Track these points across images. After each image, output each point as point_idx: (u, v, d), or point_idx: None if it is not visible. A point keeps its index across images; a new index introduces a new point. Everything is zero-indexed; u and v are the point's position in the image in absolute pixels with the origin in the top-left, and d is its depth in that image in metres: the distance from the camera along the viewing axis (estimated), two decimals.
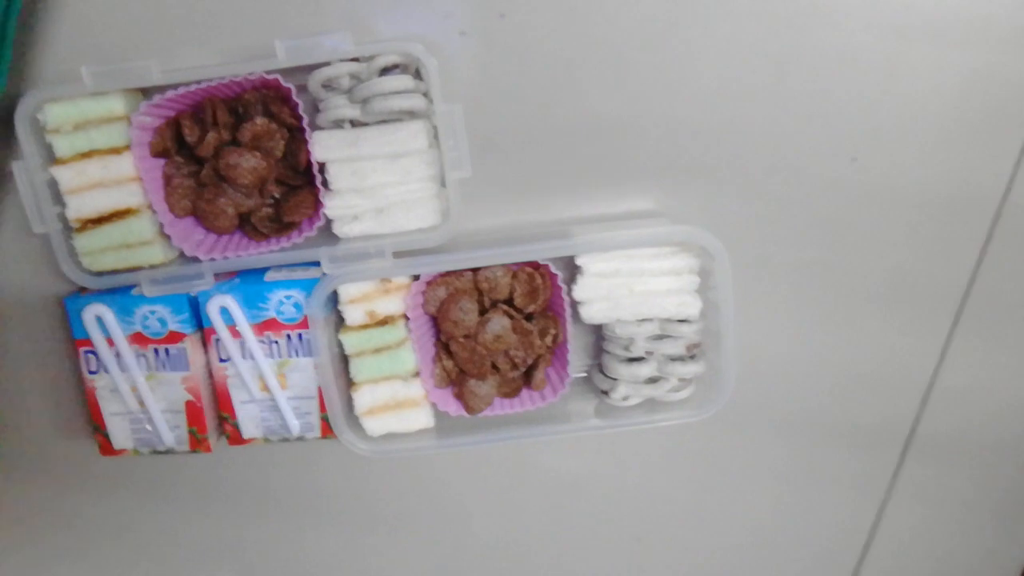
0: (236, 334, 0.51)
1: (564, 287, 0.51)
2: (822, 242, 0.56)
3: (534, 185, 0.53)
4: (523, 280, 0.52)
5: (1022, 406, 0.61)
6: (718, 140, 0.53)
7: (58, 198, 0.49)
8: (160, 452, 0.55)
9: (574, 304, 0.52)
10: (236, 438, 0.54)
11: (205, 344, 0.52)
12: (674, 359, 0.53)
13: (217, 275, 0.51)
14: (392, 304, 0.51)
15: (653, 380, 0.53)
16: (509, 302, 0.53)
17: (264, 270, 0.52)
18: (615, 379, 0.53)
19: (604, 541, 0.65)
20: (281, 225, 0.51)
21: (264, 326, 0.51)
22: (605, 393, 0.54)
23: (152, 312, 0.51)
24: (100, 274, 0.50)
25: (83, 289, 0.52)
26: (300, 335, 0.51)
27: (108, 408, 0.54)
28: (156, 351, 0.52)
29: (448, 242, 0.50)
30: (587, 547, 0.65)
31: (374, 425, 0.53)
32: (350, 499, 0.61)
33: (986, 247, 0.57)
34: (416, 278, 0.51)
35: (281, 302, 0.51)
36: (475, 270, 0.52)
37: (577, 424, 0.53)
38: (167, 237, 0.50)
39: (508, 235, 0.53)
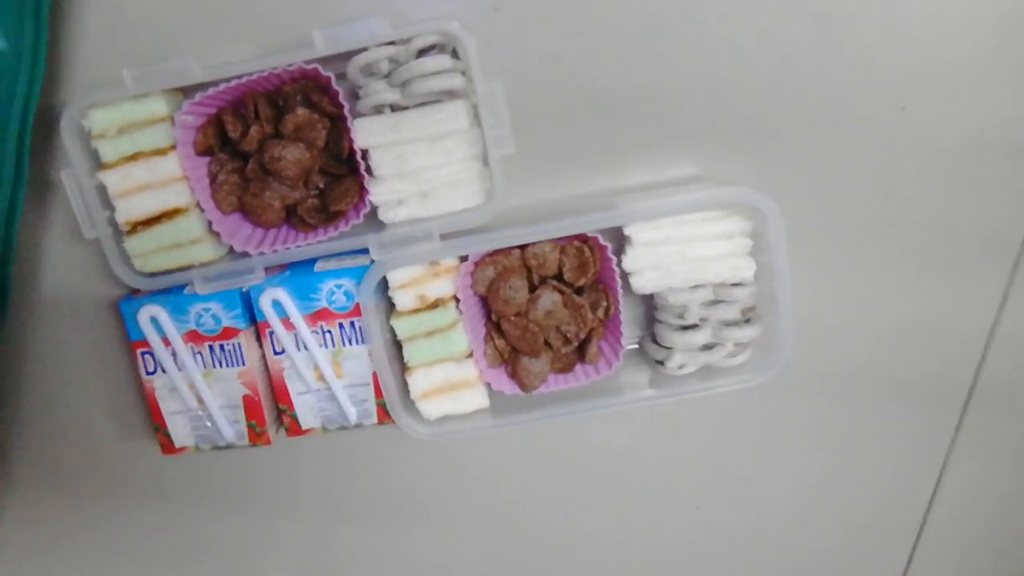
0: (289, 326, 0.52)
1: (613, 258, 0.51)
2: (874, 196, 0.54)
3: (578, 157, 0.53)
4: (572, 254, 0.52)
5: None
6: (760, 98, 0.52)
7: (107, 203, 0.49)
8: (221, 448, 0.55)
9: (624, 275, 0.51)
10: (295, 429, 0.54)
11: (259, 338, 0.53)
12: (729, 324, 0.52)
13: (267, 269, 0.51)
14: (442, 287, 0.51)
15: (708, 347, 0.53)
16: (559, 277, 0.52)
17: (314, 261, 0.52)
18: (670, 348, 0.53)
19: (663, 513, 0.65)
20: (327, 215, 0.51)
21: (316, 316, 0.52)
22: (660, 363, 0.54)
23: (206, 310, 0.52)
24: (153, 275, 0.51)
25: (136, 291, 0.53)
26: (352, 323, 0.52)
27: (167, 407, 0.54)
28: (211, 348, 0.53)
29: (494, 221, 0.49)
30: (647, 519, 0.65)
31: (430, 408, 0.53)
32: (410, 484, 0.62)
33: None
34: (464, 259, 0.51)
35: (332, 291, 0.51)
36: (522, 247, 0.52)
37: (633, 395, 0.53)
38: (216, 234, 0.50)
39: (554, 210, 0.53)
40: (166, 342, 0.53)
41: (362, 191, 0.49)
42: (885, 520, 0.67)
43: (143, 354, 0.53)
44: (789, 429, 0.62)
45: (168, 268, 0.51)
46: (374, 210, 0.50)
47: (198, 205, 0.49)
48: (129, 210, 0.49)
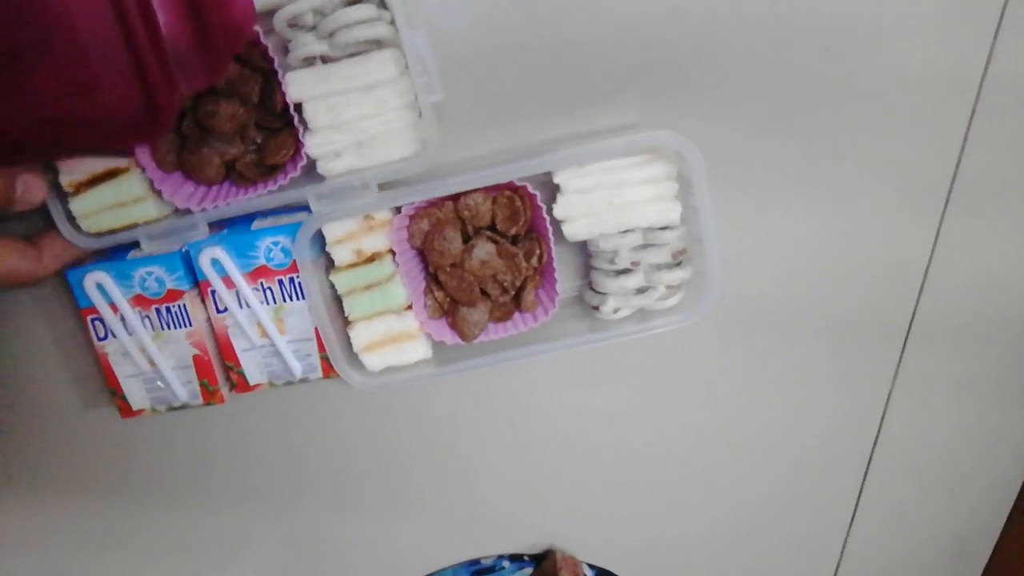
0: (230, 284, 0.53)
1: (544, 207, 0.52)
2: (802, 137, 0.55)
3: (512, 109, 0.53)
4: (503, 204, 0.53)
5: (1017, 283, 0.61)
6: (689, 45, 0.52)
7: (50, 166, 0.49)
8: (176, 408, 0.57)
9: (556, 223, 0.52)
10: (243, 386, 0.56)
11: (203, 298, 0.54)
12: (660, 267, 0.53)
13: (212, 225, 0.52)
14: (377, 240, 0.52)
15: (642, 291, 0.54)
16: (492, 228, 0.54)
17: (251, 219, 0.54)
18: (604, 293, 0.54)
19: (607, 456, 0.67)
20: (266, 169, 0.51)
21: (256, 274, 0.53)
22: (596, 309, 0.55)
23: (149, 273, 0.53)
24: (100, 235, 0.51)
25: (82, 260, 0.54)
26: (292, 279, 0.53)
27: (122, 371, 0.56)
28: (158, 311, 0.54)
29: (430, 170, 0.50)
30: (591, 463, 0.67)
31: (373, 360, 0.54)
32: (359, 436, 0.63)
33: (970, 126, 0.56)
34: (398, 211, 0.52)
35: (270, 248, 0.52)
36: (455, 199, 0.53)
37: (570, 340, 0.54)
38: (159, 193, 0.50)
39: (488, 162, 0.54)
40: (114, 308, 0.54)
41: (298, 144, 0.49)
42: (831, 461, 0.69)
43: (93, 320, 0.54)
44: (734, 372, 0.63)
45: (113, 227, 0.51)
46: (312, 163, 0.50)
47: (139, 164, 0.50)
48: (71, 172, 0.49)
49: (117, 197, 0.50)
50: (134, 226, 0.51)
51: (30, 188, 0.47)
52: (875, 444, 0.68)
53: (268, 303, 0.53)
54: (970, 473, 0.73)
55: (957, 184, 0.58)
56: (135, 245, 0.53)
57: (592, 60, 0.52)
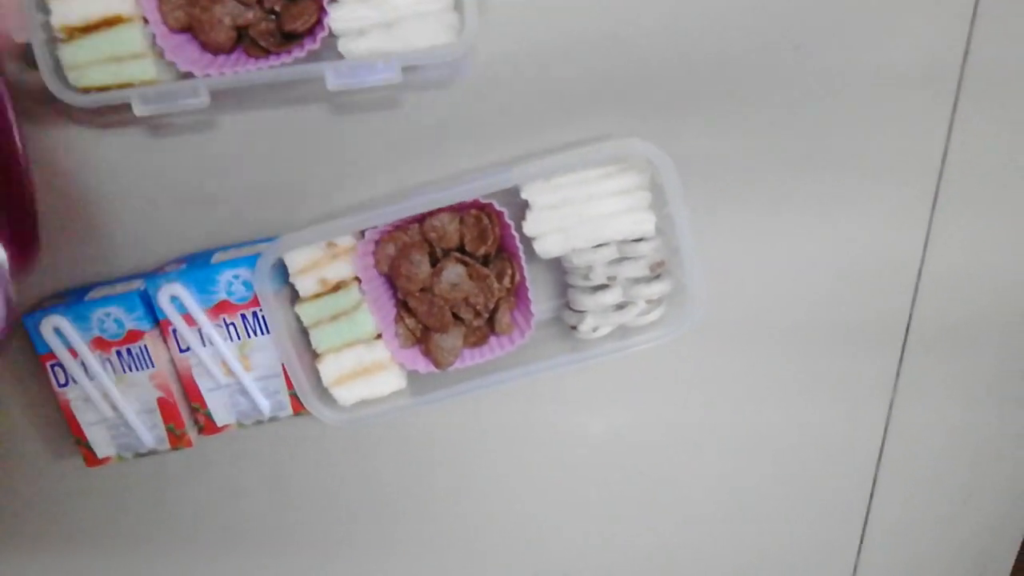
0: (192, 322, 0.51)
1: (513, 224, 0.50)
2: (779, 139, 0.54)
3: (478, 125, 0.52)
4: (470, 224, 0.51)
5: (1011, 278, 0.58)
6: (654, 51, 0.51)
7: (43, 5, 0.45)
8: (143, 454, 0.55)
9: (527, 240, 0.50)
10: (210, 427, 0.53)
11: (165, 337, 0.52)
12: (638, 281, 0.51)
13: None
14: (342, 268, 0.50)
15: (621, 307, 0.52)
16: (461, 249, 0.51)
17: (210, 253, 0.52)
18: (582, 312, 0.52)
19: (602, 478, 0.64)
20: (282, 39, 0.47)
21: (218, 309, 0.51)
22: (575, 328, 0.53)
23: (107, 314, 0.51)
24: (88, 91, 0.46)
25: (39, 304, 0.52)
26: (255, 313, 0.51)
27: (84, 418, 0.53)
28: (119, 353, 0.52)
29: (393, 193, 0.48)
30: (580, 489, 0.64)
31: (345, 394, 0.52)
32: (335, 474, 0.61)
33: (953, 119, 0.54)
34: (362, 236, 0.50)
35: (230, 282, 0.50)
36: (421, 221, 0.51)
37: (548, 363, 0.52)
38: (160, 52, 0.46)
39: (453, 181, 0.52)
40: (73, 353, 0.52)
41: (321, 13, 0.46)
42: (835, 474, 0.66)
43: (52, 366, 0.52)
44: (732, 387, 0.61)
45: (106, 84, 0.46)
46: (332, 42, 0.46)
47: (143, 17, 0.46)
48: (67, 13, 0.45)
49: (114, 49, 0.45)
50: (128, 86, 0.46)
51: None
52: (880, 454, 0.65)
53: (232, 339, 0.51)
54: (984, 481, 0.70)
55: (944, 179, 0.56)
56: (89, 288, 0.51)
57: (557, 71, 0.51)
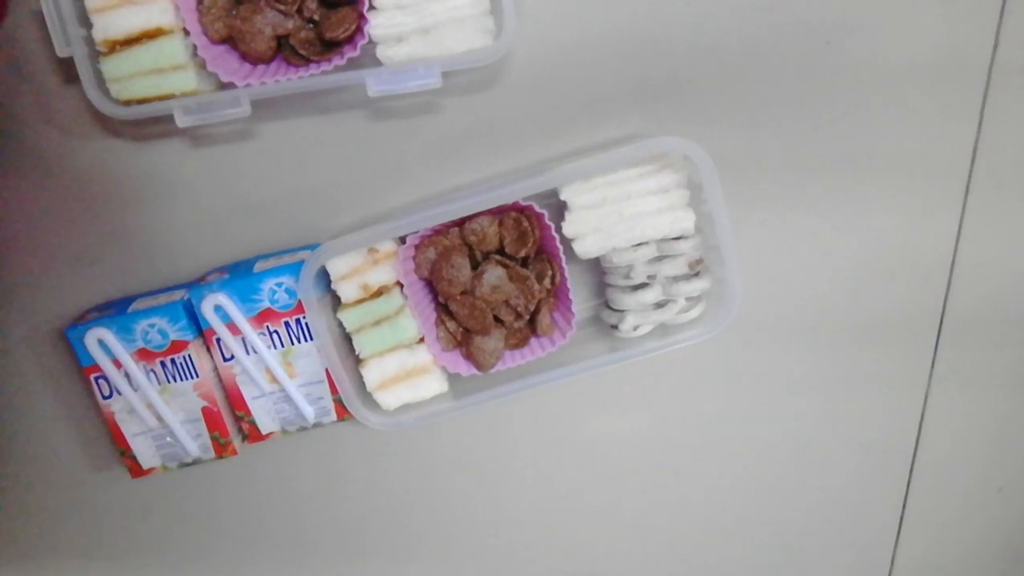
0: (235, 331, 0.51)
1: (552, 225, 0.50)
2: (812, 134, 0.54)
3: (513, 128, 0.52)
4: (510, 226, 0.51)
5: None
6: (687, 49, 0.51)
7: (84, 19, 0.45)
8: (188, 464, 0.55)
9: (566, 241, 0.50)
10: (255, 435, 0.54)
11: (208, 347, 0.52)
12: (678, 279, 0.51)
13: (254, 105, 0.47)
14: (383, 273, 0.50)
15: (661, 305, 0.52)
16: (501, 252, 0.52)
17: (253, 262, 0.52)
18: (622, 311, 0.52)
19: (643, 480, 0.64)
20: (322, 47, 0.48)
21: (261, 317, 0.51)
22: (615, 327, 0.53)
23: (151, 325, 0.51)
24: (130, 103, 0.47)
25: (82, 317, 0.53)
26: (299, 320, 0.51)
27: (129, 430, 0.54)
28: (163, 364, 0.52)
29: (432, 198, 0.49)
30: (624, 487, 0.64)
31: (388, 399, 0.52)
32: (379, 479, 0.61)
33: (983, 112, 0.55)
34: (403, 242, 0.51)
35: (273, 290, 0.50)
36: (460, 225, 0.51)
37: (590, 363, 0.52)
38: (201, 63, 0.47)
39: (491, 185, 0.52)
40: (117, 364, 0.52)
41: (360, 21, 0.46)
42: (871, 467, 0.66)
43: (97, 379, 0.53)
44: (768, 383, 0.61)
45: (147, 96, 0.46)
46: (371, 48, 0.47)
47: (184, 28, 0.46)
48: (108, 27, 0.45)
49: (156, 61, 0.46)
50: (170, 97, 0.46)
51: None
52: (916, 447, 0.65)
53: (276, 347, 0.52)
54: (1018, 471, 0.70)
55: (975, 171, 0.56)
56: (131, 299, 0.52)
57: (592, 72, 0.51)
